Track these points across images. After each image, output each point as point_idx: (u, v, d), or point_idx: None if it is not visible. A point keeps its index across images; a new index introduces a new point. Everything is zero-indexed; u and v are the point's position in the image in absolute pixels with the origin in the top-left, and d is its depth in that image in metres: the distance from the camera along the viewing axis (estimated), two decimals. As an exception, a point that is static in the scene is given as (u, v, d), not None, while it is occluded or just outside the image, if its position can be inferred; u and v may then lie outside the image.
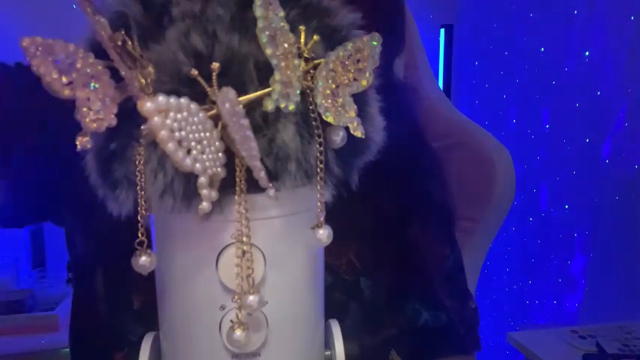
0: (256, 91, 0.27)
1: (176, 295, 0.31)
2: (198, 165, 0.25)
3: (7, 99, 0.52)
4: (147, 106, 0.23)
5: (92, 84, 0.24)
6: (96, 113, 0.24)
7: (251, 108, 0.27)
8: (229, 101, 0.24)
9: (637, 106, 1.43)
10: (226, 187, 0.27)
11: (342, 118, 0.28)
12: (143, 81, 0.26)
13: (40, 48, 0.22)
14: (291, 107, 0.27)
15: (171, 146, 0.23)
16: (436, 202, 0.59)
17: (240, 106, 0.24)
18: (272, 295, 0.30)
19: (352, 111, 0.29)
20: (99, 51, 0.25)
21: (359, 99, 0.30)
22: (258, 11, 0.26)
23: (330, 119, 0.28)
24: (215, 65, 0.26)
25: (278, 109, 0.27)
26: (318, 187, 0.29)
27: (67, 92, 0.23)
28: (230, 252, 0.29)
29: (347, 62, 0.29)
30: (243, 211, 0.27)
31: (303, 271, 0.32)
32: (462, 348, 0.56)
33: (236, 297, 0.28)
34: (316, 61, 0.28)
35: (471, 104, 2.14)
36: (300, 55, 0.28)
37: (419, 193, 0.56)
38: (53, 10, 1.64)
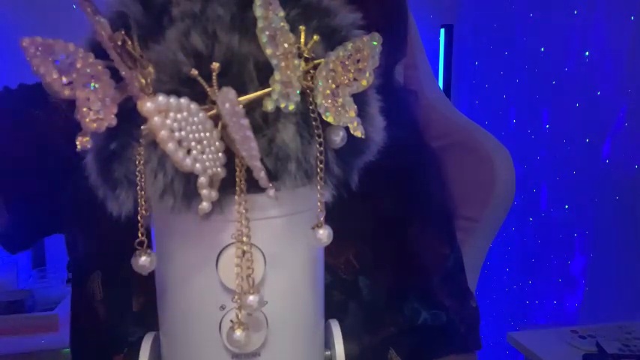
0: (256, 91, 0.27)
1: (176, 295, 0.31)
2: (198, 165, 0.25)
3: None
4: (147, 106, 0.23)
5: (92, 84, 0.24)
6: (96, 113, 0.24)
7: (251, 108, 0.27)
8: (229, 101, 0.24)
9: (637, 106, 1.43)
10: (226, 187, 0.27)
11: (342, 118, 0.28)
12: (143, 81, 0.26)
13: (40, 48, 0.22)
14: (291, 107, 0.27)
15: (171, 146, 0.23)
16: (436, 202, 0.59)
17: (240, 106, 0.24)
18: (272, 295, 0.30)
19: (352, 111, 0.29)
20: (99, 51, 0.25)
21: (359, 99, 0.30)
22: (258, 11, 0.26)
23: (330, 119, 0.28)
24: (215, 65, 0.26)
25: (278, 109, 0.27)
26: (318, 187, 0.29)
27: (67, 92, 0.23)
28: (230, 252, 0.29)
29: (347, 62, 0.29)
30: (243, 211, 0.27)
31: (303, 271, 0.32)
32: (463, 347, 0.56)
33: (236, 297, 0.28)
34: (316, 61, 0.28)
35: (470, 104, 2.15)
36: (300, 55, 0.28)
37: (419, 192, 0.56)
38: (53, 10, 1.64)
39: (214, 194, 0.26)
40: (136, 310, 0.48)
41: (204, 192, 0.26)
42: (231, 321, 0.28)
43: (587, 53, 1.57)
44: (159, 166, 0.27)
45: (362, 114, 0.30)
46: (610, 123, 1.50)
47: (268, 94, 0.26)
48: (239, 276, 0.28)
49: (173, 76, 0.27)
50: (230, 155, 0.27)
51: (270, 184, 0.27)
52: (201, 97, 0.26)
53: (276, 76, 0.26)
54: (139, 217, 0.28)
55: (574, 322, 1.61)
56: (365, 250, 0.49)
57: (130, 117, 0.26)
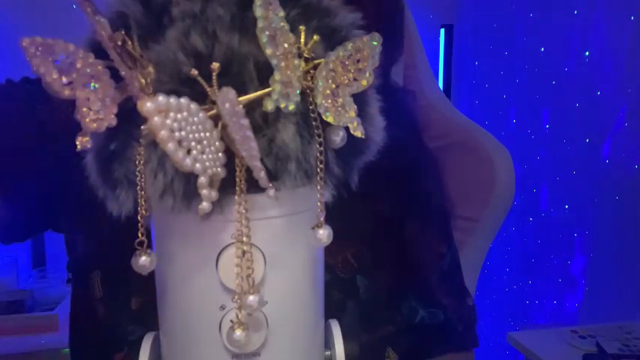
0: (256, 91, 0.27)
1: (176, 295, 0.31)
2: (198, 165, 0.25)
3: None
4: (147, 106, 0.23)
5: (92, 84, 0.24)
6: (96, 113, 0.24)
7: (251, 108, 0.27)
8: (229, 101, 0.24)
9: (637, 106, 1.43)
10: (226, 187, 0.27)
11: (342, 118, 0.28)
12: (143, 81, 0.26)
13: (40, 48, 0.22)
14: (291, 107, 0.27)
15: (171, 146, 0.23)
16: (434, 202, 0.59)
17: (240, 106, 0.24)
18: (272, 295, 0.30)
19: (352, 111, 0.29)
20: (99, 51, 0.25)
21: (359, 99, 0.30)
22: (258, 11, 0.26)
23: (330, 119, 0.28)
24: (215, 65, 0.26)
25: (278, 109, 0.27)
26: (318, 187, 0.29)
27: (67, 92, 0.23)
28: (230, 252, 0.29)
29: (347, 62, 0.29)
30: (243, 211, 0.27)
31: (303, 271, 0.32)
32: (460, 345, 0.56)
33: (236, 297, 0.28)
34: (316, 61, 0.28)
35: (470, 104, 2.15)
36: (300, 55, 0.28)
37: (417, 192, 0.56)
38: (53, 10, 1.64)
39: (214, 194, 0.26)
40: (135, 310, 0.48)
41: (204, 192, 0.26)
42: (231, 321, 0.28)
43: (587, 53, 1.57)
44: (159, 166, 0.27)
45: (362, 114, 0.30)
46: (610, 123, 1.50)
47: (268, 94, 0.26)
48: (239, 276, 0.28)
49: (173, 76, 0.27)
50: (230, 155, 0.27)
51: (270, 184, 0.27)
52: (201, 97, 0.26)
53: (276, 76, 0.26)
54: (138, 217, 0.28)
55: (574, 322, 1.61)
56: (363, 249, 0.49)
57: (130, 117, 0.26)
